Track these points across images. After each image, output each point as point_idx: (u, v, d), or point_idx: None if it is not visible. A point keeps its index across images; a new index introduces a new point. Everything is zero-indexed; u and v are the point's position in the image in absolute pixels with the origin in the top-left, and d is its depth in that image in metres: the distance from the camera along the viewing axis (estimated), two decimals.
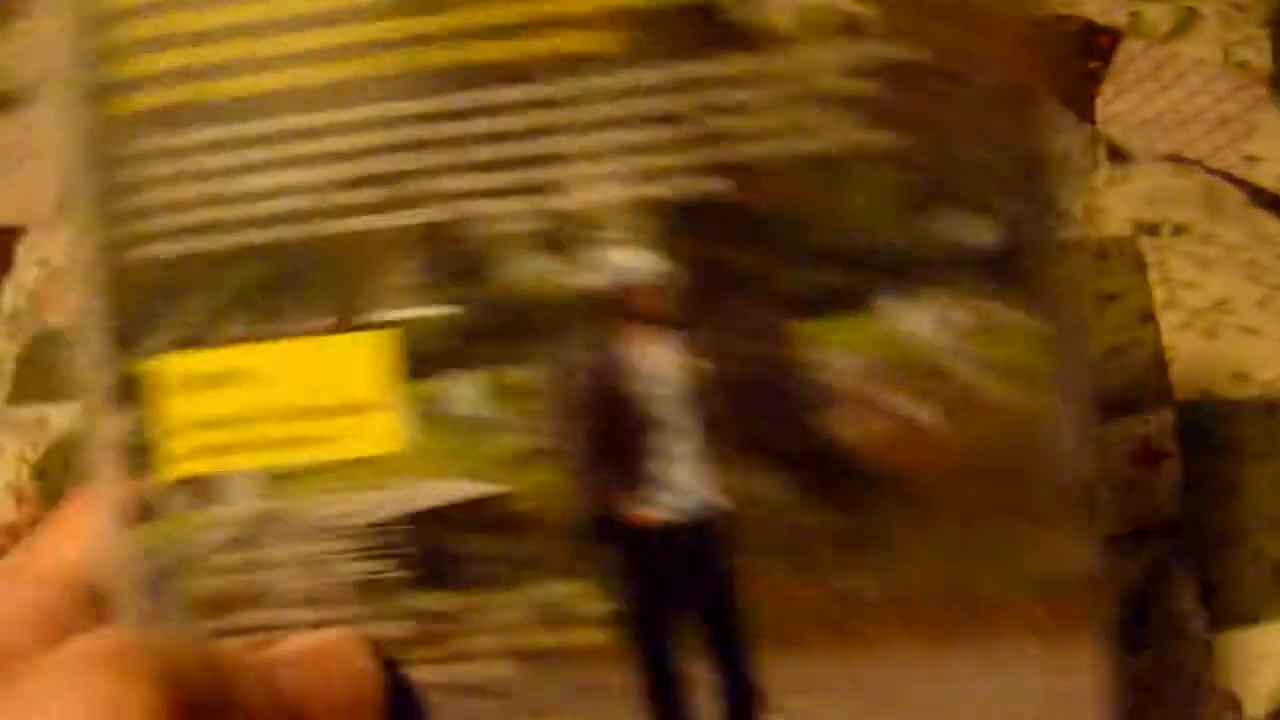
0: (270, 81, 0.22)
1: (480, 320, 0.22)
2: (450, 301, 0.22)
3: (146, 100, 0.22)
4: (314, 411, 0.22)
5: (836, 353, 0.22)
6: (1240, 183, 0.59)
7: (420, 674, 0.22)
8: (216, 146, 0.22)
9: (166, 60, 0.22)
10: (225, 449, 0.22)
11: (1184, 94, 0.56)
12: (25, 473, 0.67)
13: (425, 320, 0.22)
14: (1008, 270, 0.21)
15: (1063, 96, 0.53)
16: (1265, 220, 0.57)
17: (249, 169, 0.22)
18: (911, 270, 0.21)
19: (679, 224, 0.21)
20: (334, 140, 0.22)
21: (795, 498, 0.22)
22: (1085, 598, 0.21)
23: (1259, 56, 0.61)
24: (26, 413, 0.71)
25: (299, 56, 0.22)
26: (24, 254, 0.84)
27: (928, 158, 0.21)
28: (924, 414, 0.22)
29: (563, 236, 0.22)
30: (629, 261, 0.22)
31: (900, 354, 0.21)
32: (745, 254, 0.21)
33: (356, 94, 0.22)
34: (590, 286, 0.22)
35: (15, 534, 0.59)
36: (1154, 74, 0.61)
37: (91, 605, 0.22)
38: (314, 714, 0.20)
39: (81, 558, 0.23)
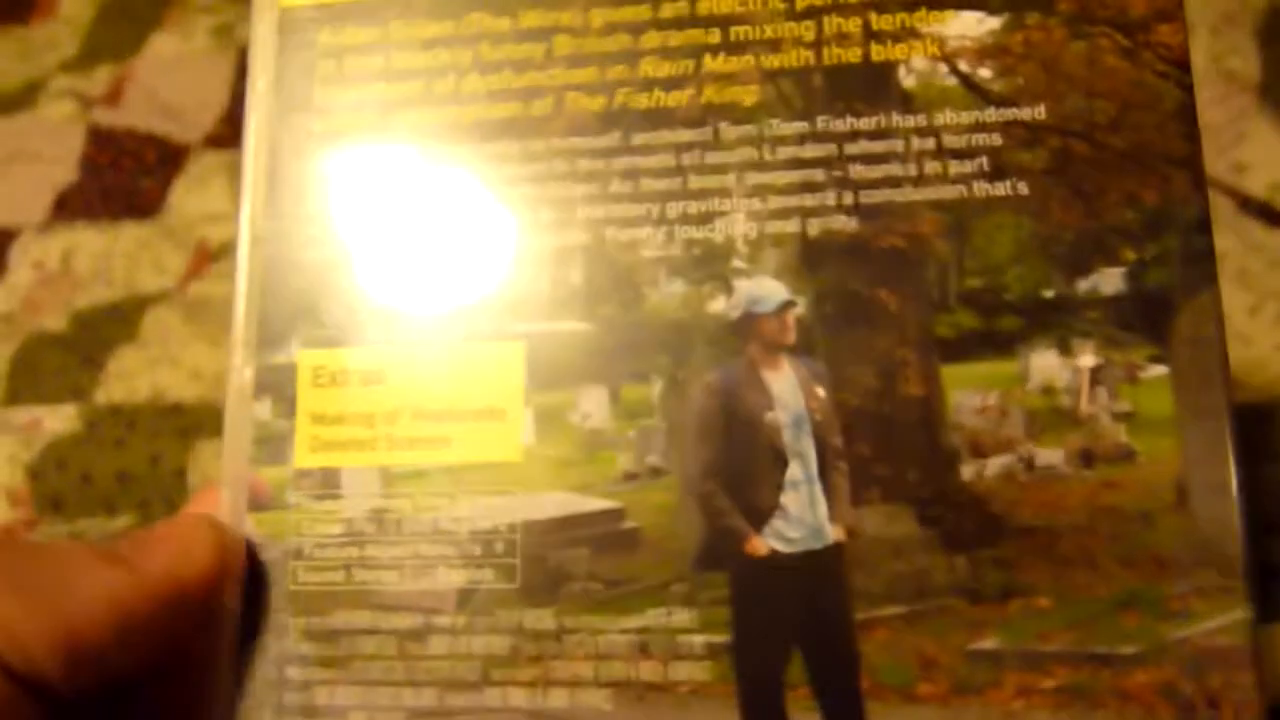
0: (449, 114, 0.24)
1: (610, 338, 0.23)
2: (583, 318, 0.23)
3: (342, 125, 0.24)
4: (440, 415, 0.23)
5: (969, 394, 0.21)
6: (1230, 191, 0.58)
7: (505, 696, 0.21)
8: (392, 165, 0.24)
9: (361, 93, 0.24)
10: (351, 445, 0.23)
11: None
12: (19, 474, 0.68)
13: (557, 334, 0.23)
14: (1140, 319, 0.21)
15: None
16: (1254, 228, 0.56)
17: (413, 186, 0.24)
18: (1051, 319, 0.21)
19: (811, 259, 0.22)
20: (494, 167, 0.23)
21: (917, 538, 0.21)
22: (1230, 662, 0.19)
23: (1247, 65, 0.61)
24: (20, 414, 0.71)
25: (477, 97, 0.24)
26: (17, 256, 0.86)
27: (1060, 211, 0.22)
28: (1058, 460, 0.21)
29: (698, 265, 0.22)
30: (760, 291, 0.22)
31: (1035, 400, 0.21)
32: (876, 291, 0.22)
33: (524, 129, 0.23)
34: (721, 312, 0.22)
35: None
36: None
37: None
38: (182, 584, 0.21)
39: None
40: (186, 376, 0.70)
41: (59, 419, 0.69)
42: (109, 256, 0.82)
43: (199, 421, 0.66)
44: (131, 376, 0.72)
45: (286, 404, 0.23)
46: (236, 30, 0.95)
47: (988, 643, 0.20)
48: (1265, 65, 0.60)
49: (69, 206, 0.88)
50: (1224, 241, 0.55)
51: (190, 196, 0.85)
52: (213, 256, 0.80)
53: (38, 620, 0.20)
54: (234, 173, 0.85)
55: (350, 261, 0.24)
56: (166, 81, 0.94)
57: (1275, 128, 0.60)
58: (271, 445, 0.23)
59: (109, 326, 0.77)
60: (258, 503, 0.23)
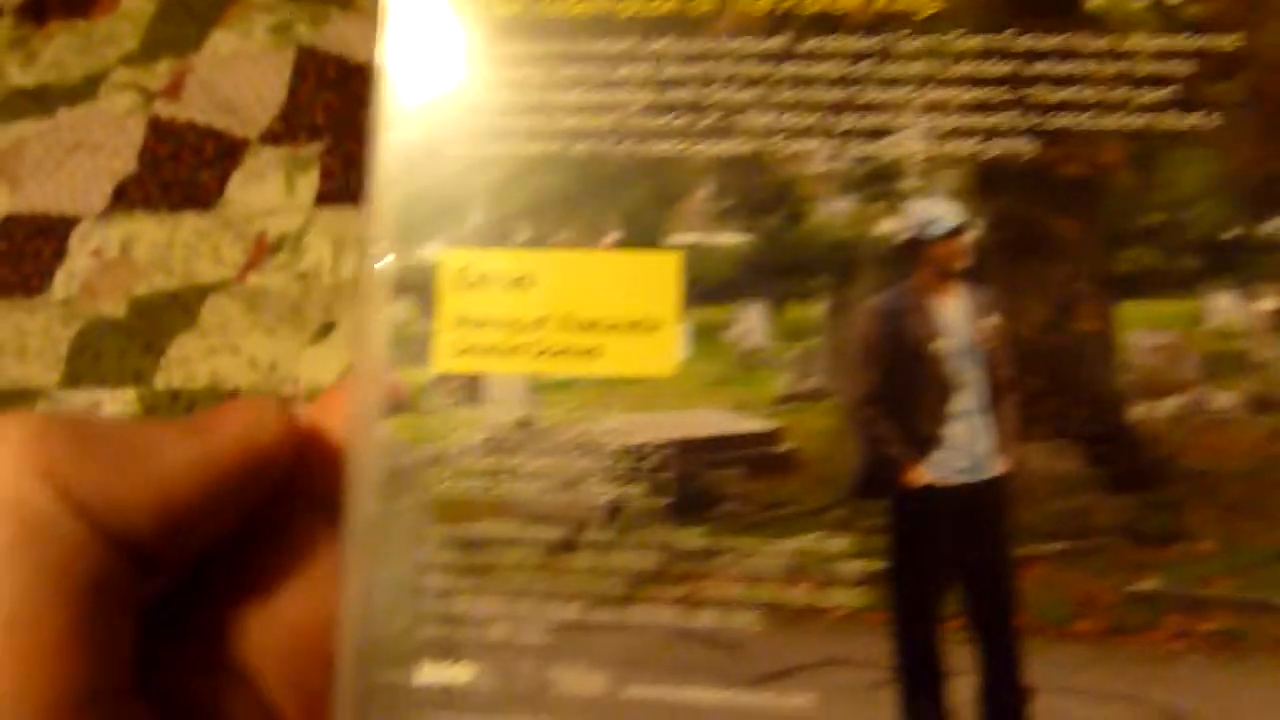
0: (605, 5, 0.22)
1: (773, 254, 0.22)
2: (745, 231, 0.22)
3: (488, 7, 0.23)
4: (590, 325, 0.22)
5: (1144, 334, 0.21)
6: None
7: (651, 614, 0.21)
8: (543, 59, 0.22)
9: None
10: (495, 351, 0.22)
11: None
12: None
13: (717, 247, 0.22)
14: None
15: None
16: None
17: (568, 83, 0.22)
18: (1234, 260, 0.21)
19: (988, 182, 0.21)
20: (652, 67, 0.22)
21: (1082, 476, 0.21)
22: None
23: None
24: (80, 397, 0.72)
25: None
26: (77, 243, 0.87)
27: (1249, 148, 0.21)
28: (1231, 404, 0.21)
29: (867, 182, 0.22)
30: (932, 213, 0.21)
31: (1210, 343, 0.21)
32: (1054, 220, 0.21)
33: (685, 26, 0.22)
34: (890, 233, 0.21)
35: None
36: None
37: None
38: (257, 447, 0.22)
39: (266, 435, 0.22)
40: (245, 364, 0.71)
41: (119, 402, 0.70)
42: (168, 246, 0.82)
43: None
44: (190, 363, 0.73)
45: (425, 304, 0.22)
46: (295, 29, 0.96)
47: (1147, 584, 0.20)
48: None
49: (128, 196, 0.88)
50: None
51: (248, 190, 0.85)
52: (270, 249, 0.80)
53: (131, 485, 0.20)
54: (291, 168, 0.86)
55: (500, 157, 0.22)
56: (226, 77, 0.93)
57: None
58: (409, 347, 0.22)
59: (169, 314, 0.77)
60: (395, 405, 0.22)
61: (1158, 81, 0.21)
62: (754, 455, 0.21)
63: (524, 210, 0.22)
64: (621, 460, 0.21)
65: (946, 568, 0.21)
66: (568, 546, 0.21)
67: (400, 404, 0.22)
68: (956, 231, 0.21)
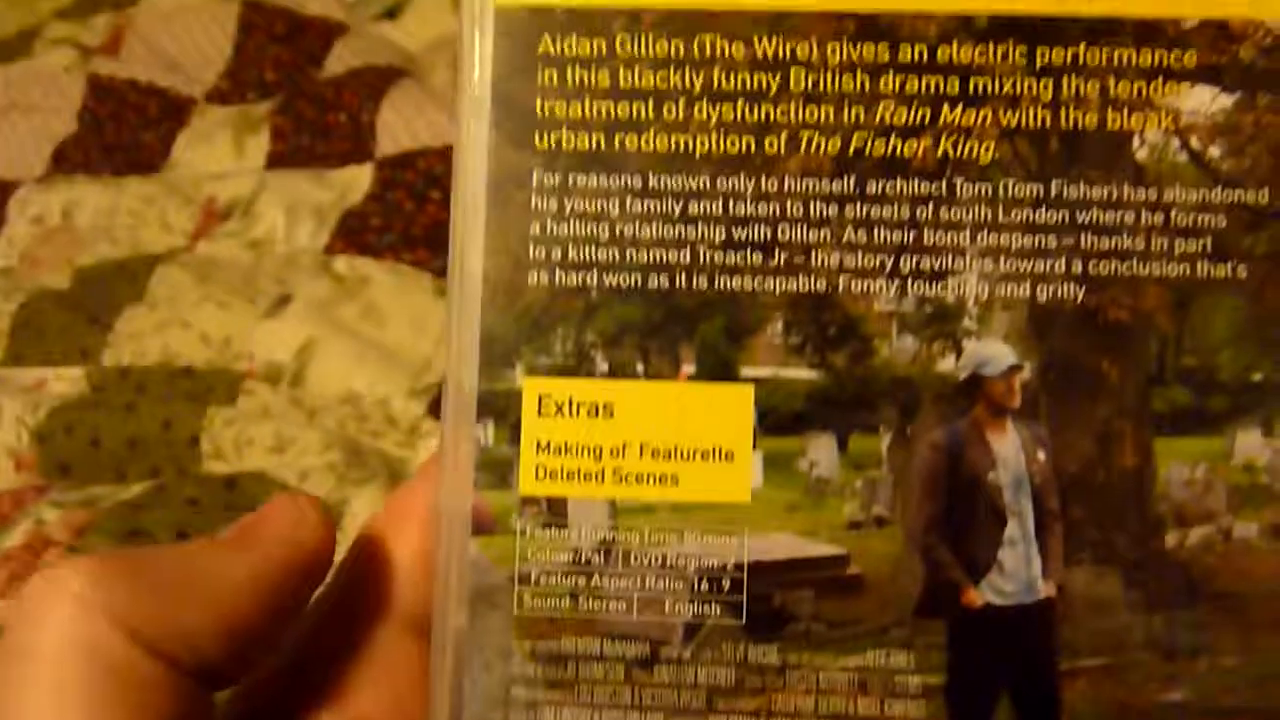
0: (679, 142, 0.23)
1: (840, 388, 0.23)
2: (814, 366, 0.23)
3: (565, 142, 0.24)
4: (668, 453, 0.23)
5: (1178, 468, 0.23)
6: None
7: None
8: (621, 193, 0.23)
9: (588, 109, 0.24)
10: (577, 476, 0.23)
11: None
12: (25, 437, 0.66)
13: (788, 381, 0.23)
14: None
15: None
16: None
17: (646, 218, 0.23)
18: (1258, 400, 0.23)
19: (1039, 325, 0.23)
20: (728, 204, 0.23)
21: (1120, 598, 0.23)
22: None
23: None
24: (25, 375, 0.70)
25: (710, 125, 0.23)
26: (15, 210, 0.83)
27: (1275, 296, 0.23)
28: (1253, 533, 0.23)
29: (929, 322, 0.23)
30: (988, 353, 0.23)
31: (1237, 476, 0.23)
32: (1099, 361, 0.23)
33: (757, 166, 0.23)
34: (949, 371, 0.23)
35: (18, 501, 0.58)
36: None
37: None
38: (304, 548, 0.23)
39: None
40: (196, 340, 0.68)
41: (65, 381, 0.67)
42: (113, 213, 0.78)
43: (211, 386, 0.65)
44: (140, 338, 0.70)
45: (510, 429, 0.23)
46: None
47: (1176, 695, 0.22)
48: None
49: (68, 159, 0.83)
50: None
51: (195, 152, 0.81)
52: (220, 215, 0.77)
53: (196, 615, 0.21)
54: (240, 128, 0.82)
55: (580, 289, 0.23)
56: (167, 31, 0.88)
57: None
58: (494, 470, 0.23)
59: (115, 285, 0.74)
60: (481, 526, 0.23)
61: (1195, 232, 0.23)
62: (823, 578, 0.23)
63: (603, 341, 0.23)
64: (699, 581, 0.23)
65: (999, 681, 0.23)
66: (648, 662, 0.23)
67: (486, 525, 0.23)
68: (1011, 371, 0.23)
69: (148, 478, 0.60)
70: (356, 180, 0.78)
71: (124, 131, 0.87)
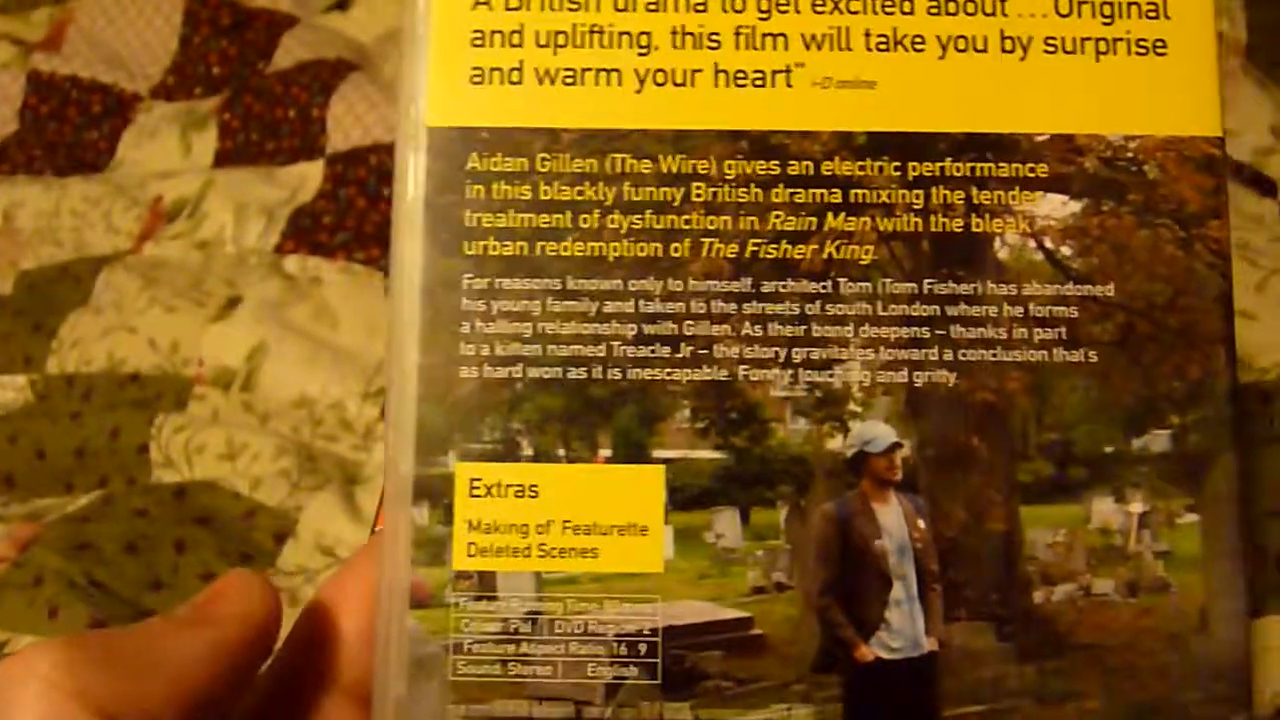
0: (594, 249, 0.26)
1: (742, 467, 0.26)
2: (718, 448, 0.26)
3: (492, 249, 0.26)
4: (588, 528, 0.26)
5: (1042, 532, 0.26)
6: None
7: None
8: (542, 295, 0.26)
9: (512, 220, 0.26)
10: (507, 551, 0.25)
11: None
12: None
13: (695, 461, 0.26)
14: (1180, 474, 0.26)
15: None
16: (1248, 198, 0.55)
17: (566, 317, 0.26)
18: (1110, 471, 0.26)
19: (916, 407, 0.26)
20: (638, 303, 0.26)
21: (995, 650, 0.25)
22: None
23: (1233, 28, 0.62)
24: None
25: (621, 233, 0.26)
26: None
27: (1121, 379, 0.26)
28: (1109, 589, 0.26)
29: (819, 406, 0.26)
30: (872, 433, 0.26)
31: (1094, 539, 0.26)
32: (971, 438, 0.26)
33: (664, 269, 0.26)
34: (838, 450, 0.26)
35: None
36: None
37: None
38: (253, 621, 0.25)
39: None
40: (144, 345, 0.67)
41: (8, 390, 0.66)
42: (55, 214, 0.77)
43: (159, 392, 0.64)
44: (85, 344, 0.68)
45: (444, 510, 0.26)
46: None
47: None
48: (1252, 27, 0.61)
49: (9, 159, 0.81)
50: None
51: (141, 150, 0.80)
52: (167, 215, 0.76)
53: (159, 691, 0.23)
54: (187, 125, 0.80)
55: (506, 381, 0.26)
56: (110, 26, 0.87)
57: (1260, 91, 0.61)
58: (430, 548, 0.26)
59: (59, 290, 0.72)
60: (418, 600, 0.25)
61: (1050, 323, 0.26)
62: (730, 639, 0.25)
63: (528, 428, 0.26)
64: (618, 645, 0.25)
65: None
66: None
67: (423, 599, 0.25)
68: (892, 449, 0.26)
69: (96, 488, 0.59)
70: (307, 177, 0.75)
71: (66, 130, 0.83)
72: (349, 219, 0.72)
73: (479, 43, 0.27)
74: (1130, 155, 0.27)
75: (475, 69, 0.27)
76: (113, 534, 0.53)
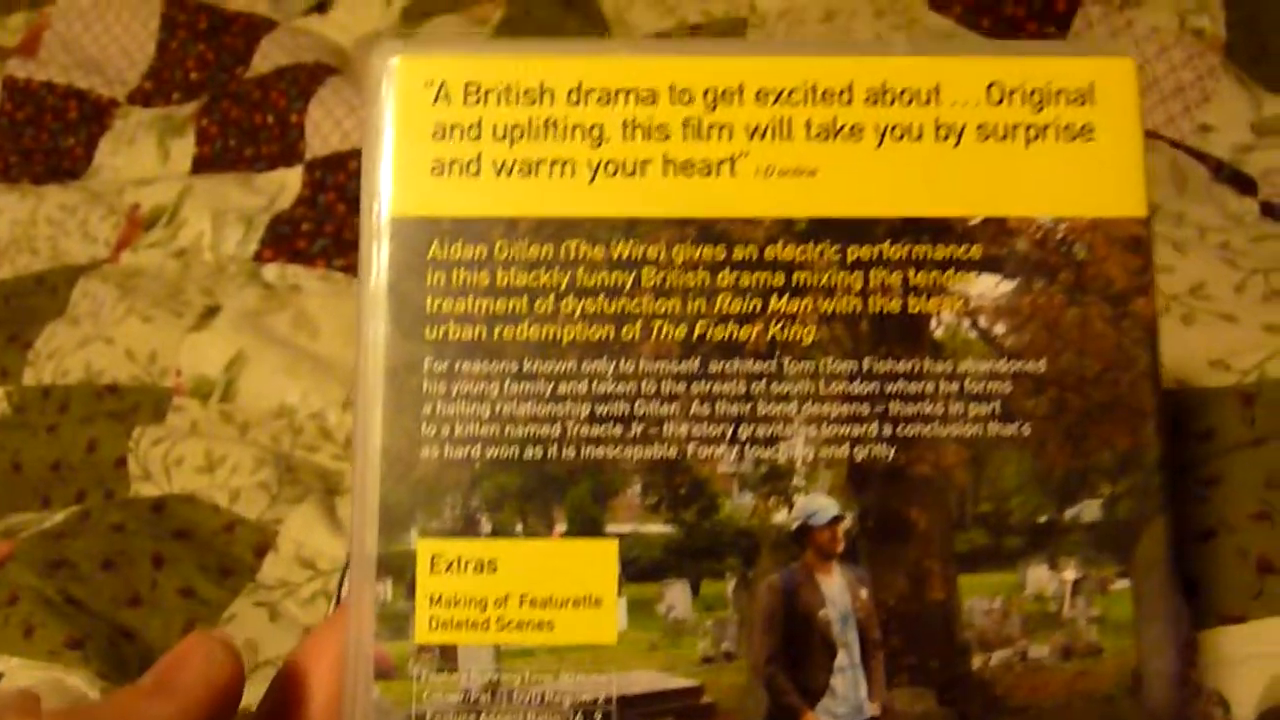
0: (549, 332, 0.27)
1: (691, 540, 0.27)
2: (668, 522, 0.27)
3: (452, 333, 0.27)
4: (545, 601, 0.27)
5: (979, 600, 0.27)
6: (1201, 156, 0.56)
7: None
8: (500, 377, 0.27)
9: (471, 305, 0.28)
10: (467, 625, 0.27)
11: (1139, 61, 0.60)
12: None
13: (646, 535, 0.27)
14: (1111, 542, 0.27)
15: None
16: (1229, 197, 0.55)
17: (522, 398, 0.27)
18: (1044, 540, 0.27)
19: (857, 481, 0.27)
20: (591, 384, 0.27)
21: (937, 714, 0.26)
22: None
23: (1214, 24, 0.62)
24: None
25: (575, 317, 0.28)
26: None
27: (1054, 450, 0.27)
28: (1045, 654, 0.27)
29: (764, 481, 0.27)
30: (815, 506, 0.27)
31: (1029, 606, 0.27)
32: (908, 510, 0.27)
33: (616, 350, 0.27)
34: (783, 523, 0.27)
35: None
36: (1110, 40, 0.62)
37: None
38: (216, 686, 0.25)
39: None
40: (121, 356, 0.65)
41: None
42: (32, 223, 0.76)
43: (137, 404, 0.63)
44: (62, 355, 0.67)
45: (406, 586, 0.27)
46: None
47: None
48: (1231, 24, 0.61)
49: None
50: (1202, 212, 0.53)
51: (119, 157, 0.79)
52: (145, 223, 0.75)
53: None
54: (164, 131, 0.79)
55: (465, 460, 0.27)
56: (87, 31, 0.87)
57: (1239, 89, 0.62)
58: (393, 622, 0.27)
59: (36, 300, 0.71)
60: (382, 672, 0.26)
61: (985, 398, 0.27)
62: (681, 707, 0.26)
63: (487, 506, 0.27)
64: (574, 715, 0.26)
65: None
66: None
67: (387, 671, 0.26)
68: (835, 521, 0.27)
69: (73, 502, 0.58)
70: (286, 183, 0.74)
71: (43, 136, 0.83)
72: (328, 225, 0.71)
73: (439, 136, 0.28)
74: (1060, 236, 0.28)
75: (436, 161, 0.28)
76: (89, 550, 0.52)
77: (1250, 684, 0.37)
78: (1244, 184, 0.59)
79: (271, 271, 0.70)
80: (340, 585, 0.50)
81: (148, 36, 0.88)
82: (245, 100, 0.79)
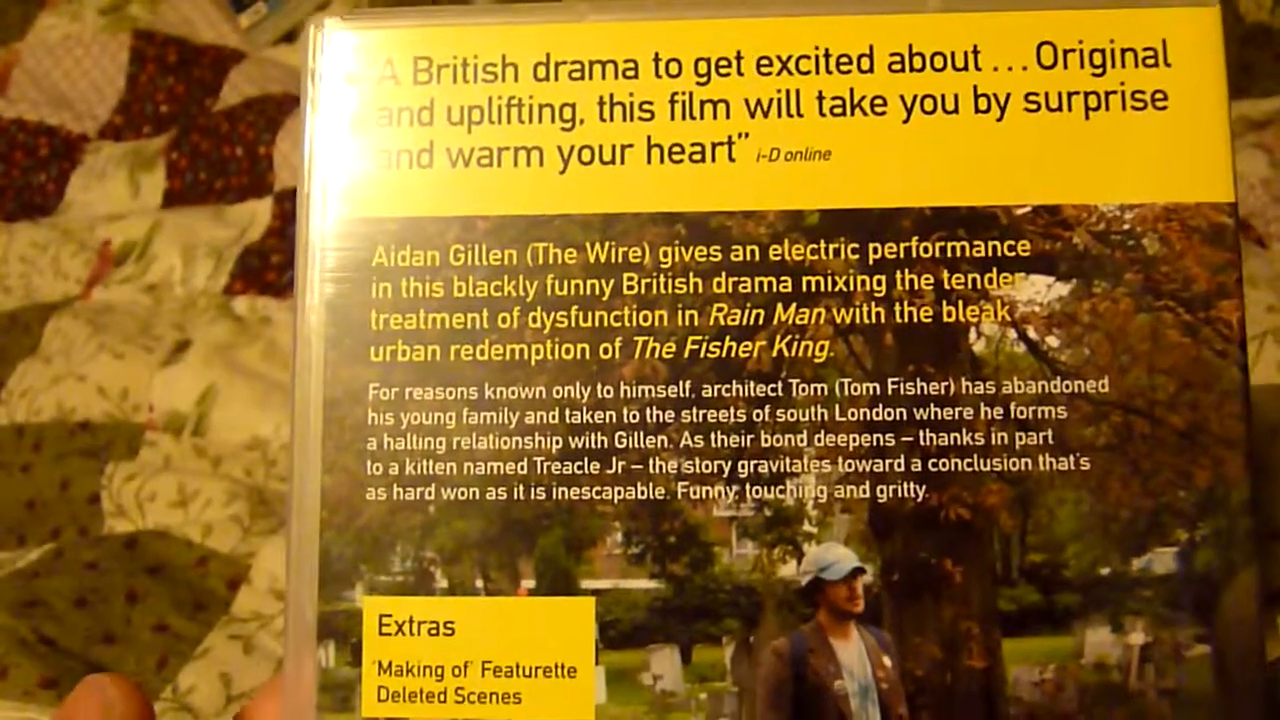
0: (514, 351, 0.23)
1: (682, 598, 0.23)
2: (654, 576, 0.23)
3: (401, 354, 0.23)
4: (510, 670, 0.23)
5: (1027, 669, 0.22)
6: None
7: None
8: (457, 405, 0.23)
9: (423, 321, 0.24)
10: (421, 696, 0.23)
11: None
12: None
13: (628, 592, 0.23)
14: (1188, 599, 0.22)
15: None
16: None
17: (483, 429, 0.23)
18: (1106, 596, 0.22)
19: (879, 526, 0.23)
20: (564, 413, 0.23)
21: None
22: None
23: None
24: None
25: (545, 334, 0.23)
26: None
27: (1119, 488, 0.23)
28: None
29: (769, 527, 0.23)
30: (829, 556, 0.23)
31: (1089, 675, 0.22)
32: (944, 561, 0.23)
33: (592, 373, 0.23)
34: (791, 577, 0.23)
35: None
36: None
37: None
38: None
39: None
40: (93, 392, 0.66)
41: None
42: (4, 261, 0.76)
43: (109, 440, 0.63)
44: (34, 394, 0.67)
45: (351, 650, 0.23)
46: (129, 9, 0.86)
47: None
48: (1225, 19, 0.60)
49: None
50: None
51: (89, 193, 0.79)
52: (116, 259, 0.74)
53: None
54: (135, 165, 0.79)
55: (417, 504, 0.23)
56: (57, 67, 0.86)
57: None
58: (336, 692, 0.23)
59: (8, 338, 0.71)
60: None
61: (1035, 425, 0.23)
62: None
63: (442, 557, 0.23)
64: None
65: None
66: None
67: None
68: (853, 575, 0.23)
69: (48, 540, 0.58)
70: (256, 215, 0.74)
71: (14, 173, 0.83)
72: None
73: (385, 121, 0.24)
74: (1126, 227, 0.23)
75: (381, 151, 0.24)
76: (62, 589, 0.52)
77: None
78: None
79: (242, 304, 0.70)
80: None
81: (117, 70, 0.89)
82: (214, 133, 0.79)
